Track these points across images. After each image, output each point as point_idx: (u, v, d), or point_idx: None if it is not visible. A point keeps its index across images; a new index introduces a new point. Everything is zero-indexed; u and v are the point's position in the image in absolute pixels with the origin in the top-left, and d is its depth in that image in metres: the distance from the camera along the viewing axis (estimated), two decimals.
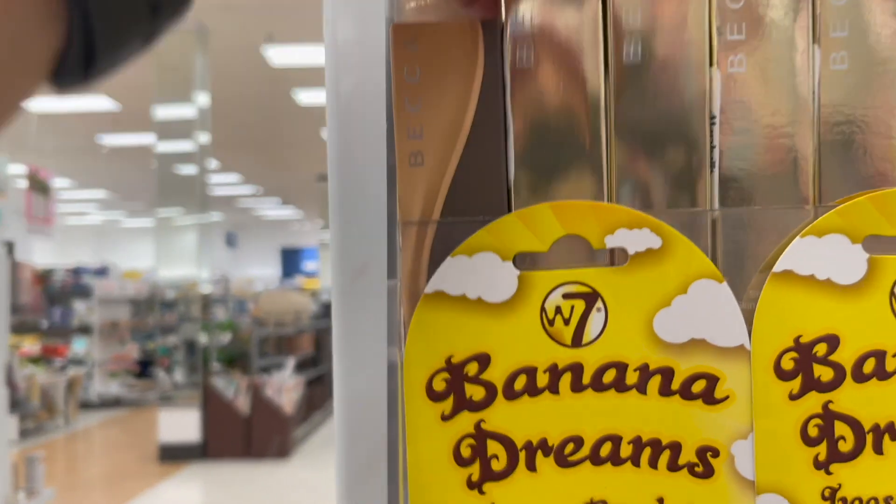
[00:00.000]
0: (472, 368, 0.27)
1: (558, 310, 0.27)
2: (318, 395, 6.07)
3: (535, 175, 0.28)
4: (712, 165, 0.28)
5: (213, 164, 6.43)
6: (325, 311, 7.03)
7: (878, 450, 0.27)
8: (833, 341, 0.27)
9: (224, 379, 5.51)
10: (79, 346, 7.07)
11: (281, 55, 5.18)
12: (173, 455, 5.10)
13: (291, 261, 10.53)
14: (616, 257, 0.28)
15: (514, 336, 0.27)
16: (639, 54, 0.28)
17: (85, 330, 7.15)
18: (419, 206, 0.28)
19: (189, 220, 6.12)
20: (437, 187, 0.28)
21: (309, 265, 10.19)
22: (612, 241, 0.27)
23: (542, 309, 0.27)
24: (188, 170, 5.72)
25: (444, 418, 0.27)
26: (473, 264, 0.27)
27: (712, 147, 0.28)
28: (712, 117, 0.28)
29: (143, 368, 7.17)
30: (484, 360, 0.27)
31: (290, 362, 5.75)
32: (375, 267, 0.38)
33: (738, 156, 0.28)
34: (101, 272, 7.93)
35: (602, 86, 0.28)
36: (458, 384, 0.27)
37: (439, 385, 0.27)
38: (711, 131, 0.28)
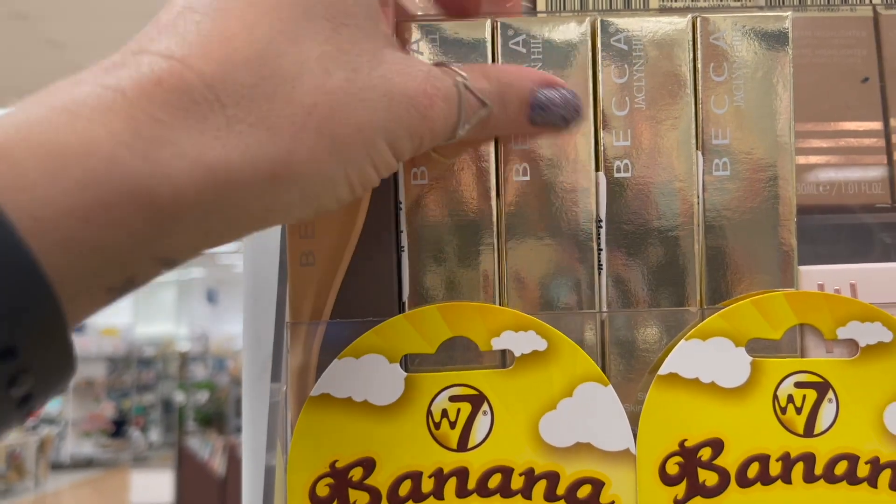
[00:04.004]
0: (356, 473, 0.27)
1: (444, 413, 0.27)
2: None
3: (426, 278, 0.28)
4: (600, 268, 0.29)
5: None
6: None
7: None
8: (718, 445, 0.27)
9: (200, 439, 5.41)
10: (52, 404, 6.94)
11: None
12: None
13: None
14: (506, 359, 0.28)
15: (400, 439, 0.27)
16: (527, 172, 0.28)
17: None
18: (309, 306, 0.28)
19: (169, 276, 6.08)
20: (327, 288, 0.28)
21: None
22: (498, 343, 0.28)
23: (429, 412, 0.27)
24: None
25: None
26: (360, 366, 0.27)
27: (599, 250, 0.29)
28: (599, 221, 0.29)
29: (118, 428, 7.03)
30: (369, 465, 0.27)
31: None
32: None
33: (624, 259, 0.29)
34: (79, 328, 7.84)
35: (493, 191, 0.28)
36: (342, 490, 0.27)
37: (322, 490, 0.27)
38: (598, 234, 0.29)
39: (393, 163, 0.24)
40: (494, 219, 0.29)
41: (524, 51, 0.29)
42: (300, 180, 0.21)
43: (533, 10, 0.35)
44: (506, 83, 0.26)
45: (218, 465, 5.14)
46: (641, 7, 0.35)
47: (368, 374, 0.27)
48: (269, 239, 0.37)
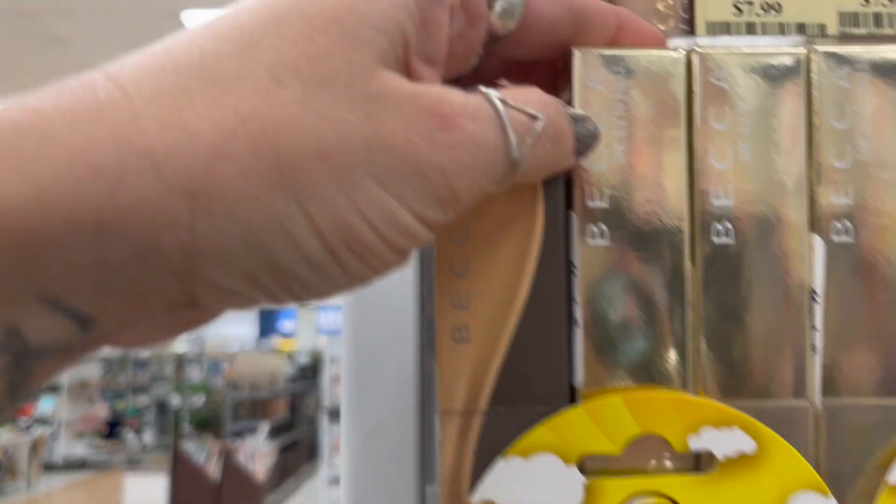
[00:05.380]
0: None
1: None
2: (291, 461, 5.90)
3: (604, 362, 0.23)
4: (813, 350, 0.24)
5: None
6: (301, 374, 6.89)
7: None
8: None
9: (195, 442, 5.34)
10: (46, 404, 6.86)
11: None
12: None
13: (268, 320, 10.42)
14: (702, 461, 0.23)
15: None
16: (729, 233, 0.23)
17: (53, 388, 6.95)
18: (463, 391, 0.23)
19: None
20: (485, 369, 0.23)
21: (286, 325, 10.08)
22: (696, 443, 0.23)
23: None
24: None
25: None
26: (530, 468, 0.23)
27: (813, 329, 0.24)
28: (813, 293, 0.24)
29: (112, 429, 6.96)
30: None
31: (264, 427, 5.60)
32: (390, 427, 0.33)
33: (844, 339, 0.24)
34: None
35: (688, 268, 0.24)
36: None
37: None
38: (812, 310, 0.24)
39: (405, 218, 0.18)
40: (689, 289, 0.24)
41: (727, 87, 0.24)
42: (229, 208, 0.16)
43: (690, 32, 0.31)
44: (545, 98, 0.21)
45: (213, 469, 5.08)
46: (819, 34, 0.31)
47: (540, 478, 0.22)
48: (374, 296, 0.32)
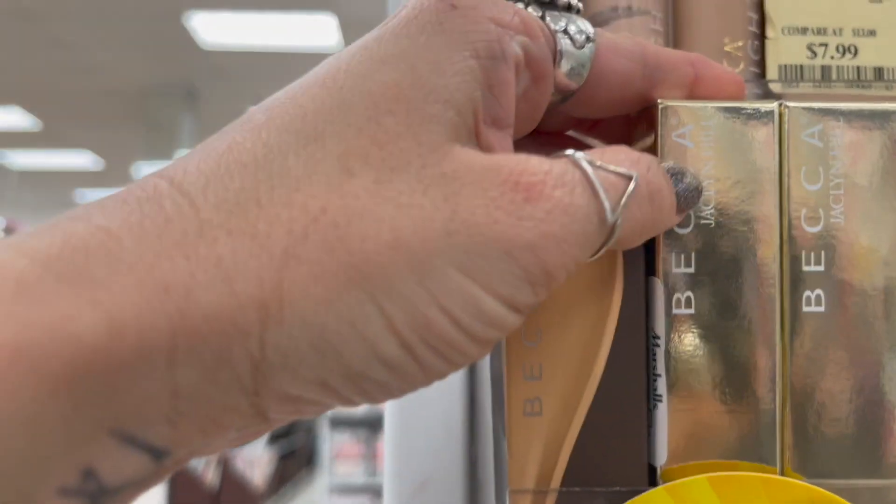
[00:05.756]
0: None
1: None
2: (289, 468, 5.87)
3: (689, 439, 0.22)
4: None
5: None
6: None
7: None
8: None
9: None
10: None
11: None
12: None
13: None
14: None
15: None
16: (821, 301, 0.22)
17: None
18: (535, 468, 0.22)
19: None
20: (558, 445, 0.22)
21: None
22: None
23: None
24: None
25: None
26: None
27: None
28: None
29: None
30: None
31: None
32: (438, 483, 0.31)
33: None
34: None
35: (778, 337, 0.22)
36: None
37: None
38: None
39: (490, 306, 0.17)
40: (779, 359, 0.22)
41: (821, 144, 0.22)
42: (298, 313, 0.15)
43: (760, 75, 0.29)
44: (634, 156, 0.19)
45: (211, 477, 5.05)
46: (894, 77, 0.29)
47: None
48: None
